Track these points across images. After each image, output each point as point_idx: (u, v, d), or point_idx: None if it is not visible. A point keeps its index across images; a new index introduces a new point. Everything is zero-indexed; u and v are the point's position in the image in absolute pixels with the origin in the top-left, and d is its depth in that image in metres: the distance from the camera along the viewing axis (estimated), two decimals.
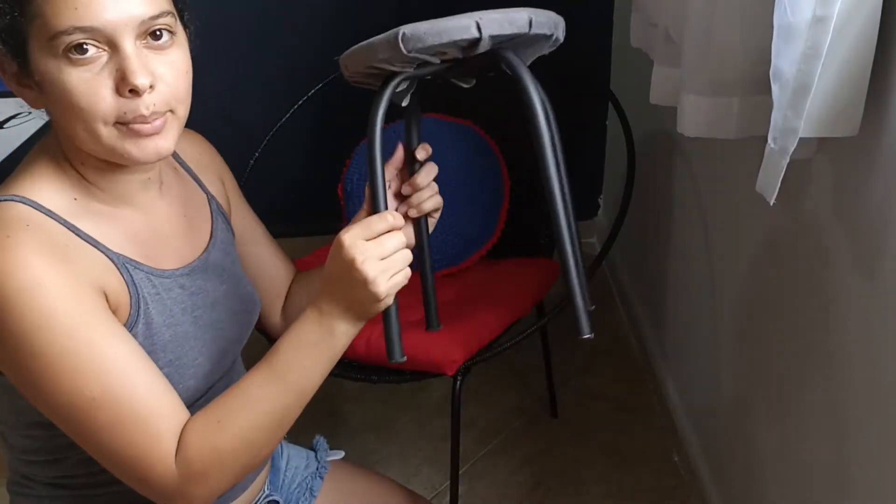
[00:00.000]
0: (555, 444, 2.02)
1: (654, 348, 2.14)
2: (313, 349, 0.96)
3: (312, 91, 1.92)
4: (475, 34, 0.91)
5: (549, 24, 0.99)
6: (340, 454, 1.34)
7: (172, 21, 0.91)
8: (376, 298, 0.93)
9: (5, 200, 0.91)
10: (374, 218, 0.94)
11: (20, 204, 0.91)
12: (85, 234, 0.94)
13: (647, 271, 2.24)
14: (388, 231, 0.94)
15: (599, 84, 1.89)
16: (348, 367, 1.67)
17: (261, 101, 2.22)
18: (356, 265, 0.91)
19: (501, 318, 1.68)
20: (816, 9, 0.91)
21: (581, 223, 2.74)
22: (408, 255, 0.96)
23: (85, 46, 0.85)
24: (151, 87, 0.88)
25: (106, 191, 0.97)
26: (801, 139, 0.98)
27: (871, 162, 1.03)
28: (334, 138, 2.12)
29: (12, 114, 1.61)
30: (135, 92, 0.87)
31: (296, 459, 1.29)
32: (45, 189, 0.93)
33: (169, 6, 0.90)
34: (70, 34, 0.84)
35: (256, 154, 1.81)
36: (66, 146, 0.95)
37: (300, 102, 1.91)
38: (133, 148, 0.90)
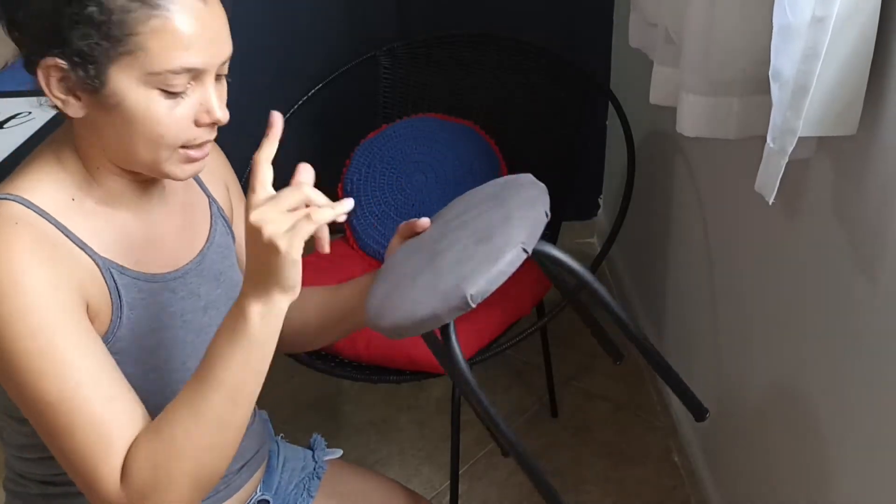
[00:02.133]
0: (555, 444, 2.02)
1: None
2: (232, 340, 0.90)
3: (312, 91, 1.93)
4: (524, 256, 0.92)
5: (547, 201, 1.02)
6: (338, 452, 1.34)
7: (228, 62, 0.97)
8: (276, 252, 0.85)
9: (2, 199, 0.92)
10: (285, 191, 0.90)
11: (14, 203, 0.92)
12: (75, 236, 0.94)
13: (647, 271, 2.24)
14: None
15: (599, 84, 1.89)
16: (348, 367, 1.67)
17: (261, 102, 2.22)
18: (257, 229, 0.85)
19: (501, 318, 1.68)
20: (816, 9, 0.91)
21: (581, 223, 2.74)
22: (315, 211, 0.90)
23: (179, 88, 0.90)
24: (225, 119, 0.95)
25: (108, 192, 0.98)
26: (800, 139, 0.98)
27: (869, 161, 1.03)
28: (334, 138, 2.12)
29: (12, 114, 1.61)
30: (214, 124, 0.94)
31: (293, 461, 1.28)
32: (42, 187, 0.94)
33: (232, 50, 0.97)
34: (178, 73, 0.88)
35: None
36: (90, 151, 0.96)
37: (300, 102, 1.91)
38: (178, 170, 0.95)
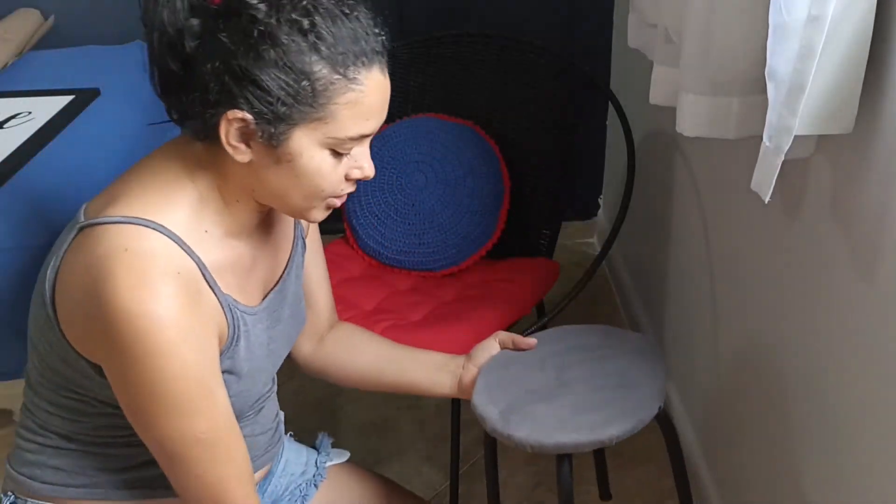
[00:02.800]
0: None
1: None
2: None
3: None
4: (657, 411, 1.21)
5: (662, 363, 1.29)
6: (345, 455, 1.34)
7: None
8: None
9: (153, 228, 0.93)
10: None
11: (167, 238, 0.94)
12: (209, 273, 0.98)
13: (647, 271, 2.24)
14: None
15: (599, 84, 1.89)
16: None
17: None
18: None
19: (501, 318, 1.68)
20: (811, 8, 0.91)
21: (581, 223, 2.75)
22: None
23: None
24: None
25: (236, 222, 1.02)
26: (798, 138, 0.99)
27: (867, 160, 1.03)
28: None
29: (12, 114, 1.61)
30: (363, 180, 1.01)
31: (294, 464, 1.28)
32: (184, 218, 0.97)
33: None
34: (355, 140, 0.96)
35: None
36: (239, 187, 0.99)
37: None
38: (319, 215, 1.02)
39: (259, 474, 1.21)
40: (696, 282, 1.80)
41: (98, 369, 0.97)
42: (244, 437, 1.05)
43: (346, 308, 1.74)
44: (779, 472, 1.40)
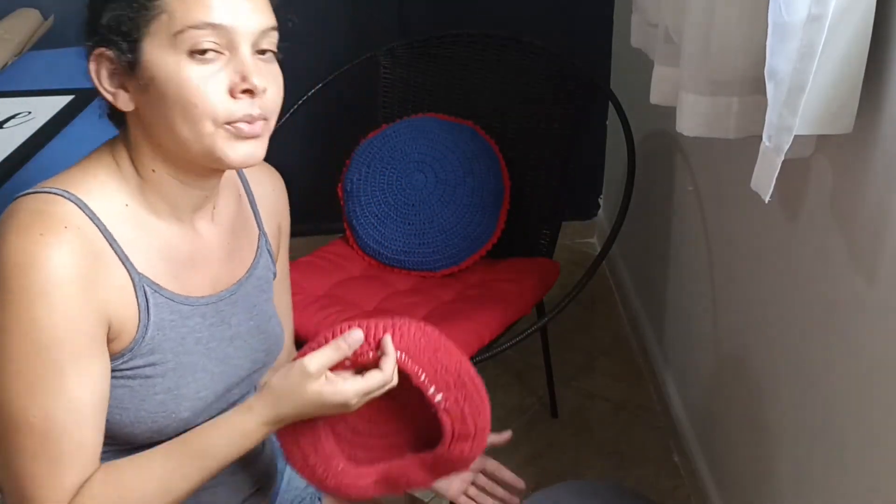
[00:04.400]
0: (555, 444, 2.02)
1: (654, 348, 2.14)
2: (243, 444, 0.95)
3: (312, 91, 1.93)
4: None
5: None
6: None
7: (276, 40, 0.95)
8: (347, 408, 0.94)
9: (56, 193, 0.91)
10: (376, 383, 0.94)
11: (68, 201, 0.91)
12: (119, 247, 0.93)
13: (647, 271, 2.24)
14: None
15: (599, 84, 1.89)
16: None
17: None
18: (344, 403, 0.93)
19: (501, 318, 1.68)
20: (811, 7, 0.91)
21: (581, 223, 2.75)
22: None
23: (206, 46, 0.89)
24: (264, 90, 0.92)
25: (163, 199, 0.97)
26: (798, 137, 0.99)
27: (866, 160, 1.03)
28: (334, 138, 2.12)
29: (12, 114, 1.61)
30: (249, 93, 0.91)
31: (297, 479, 1.25)
32: (99, 189, 0.94)
33: (276, 24, 0.95)
34: (199, 29, 0.88)
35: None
36: (144, 150, 0.95)
37: (300, 102, 1.91)
38: (230, 150, 0.92)
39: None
40: (696, 281, 1.80)
41: None
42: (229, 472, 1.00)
43: (346, 308, 1.74)
44: (779, 472, 1.40)
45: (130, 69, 0.90)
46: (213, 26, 0.88)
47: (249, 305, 1.09)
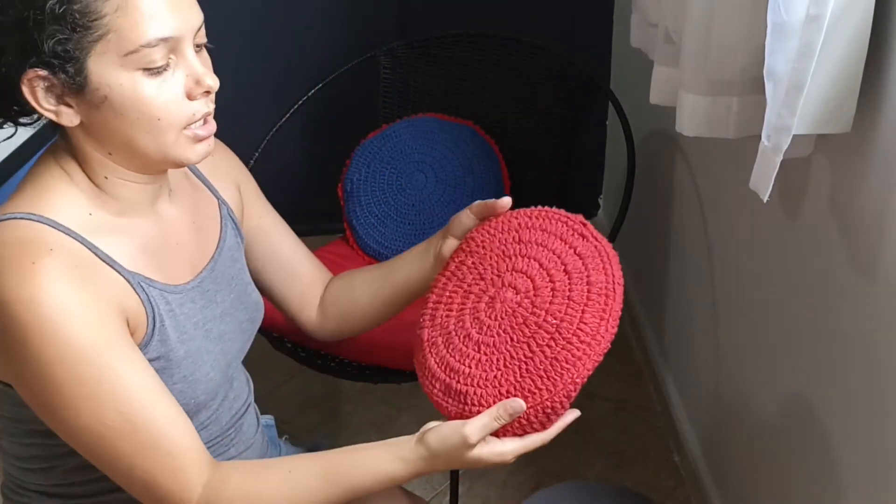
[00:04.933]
0: (555, 444, 2.02)
1: (654, 348, 2.14)
2: (382, 483, 0.99)
3: (312, 91, 1.93)
4: None
5: None
6: None
7: (204, 30, 0.95)
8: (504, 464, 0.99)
9: (22, 218, 0.90)
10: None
11: (38, 223, 0.90)
12: (103, 252, 0.93)
13: (647, 271, 2.24)
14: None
15: (599, 84, 1.89)
16: (348, 367, 1.67)
17: (261, 101, 2.22)
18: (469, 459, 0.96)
19: None
20: (810, 7, 0.91)
21: None
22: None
23: (160, 63, 0.88)
24: (216, 86, 0.93)
25: (121, 201, 0.97)
26: (797, 137, 0.99)
27: (865, 159, 1.03)
28: (334, 138, 2.12)
29: None
30: (208, 93, 0.92)
31: None
32: (60, 205, 0.93)
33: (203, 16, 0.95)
34: (153, 46, 0.87)
35: (256, 154, 1.81)
36: (91, 159, 0.94)
37: (300, 102, 1.91)
38: (190, 153, 0.94)
39: None
40: (696, 281, 1.80)
41: (11, 386, 0.93)
42: (232, 457, 1.02)
43: None
44: (779, 471, 1.40)
45: (76, 88, 0.88)
46: (164, 40, 0.87)
47: (228, 279, 1.10)
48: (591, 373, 0.97)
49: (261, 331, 1.31)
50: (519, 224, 1.08)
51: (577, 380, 0.96)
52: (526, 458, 2.03)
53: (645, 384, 2.17)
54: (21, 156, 1.46)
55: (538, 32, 1.95)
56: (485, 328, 1.02)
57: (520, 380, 0.96)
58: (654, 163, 2.04)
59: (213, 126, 0.95)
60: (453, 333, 1.04)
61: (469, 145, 1.89)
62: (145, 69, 0.88)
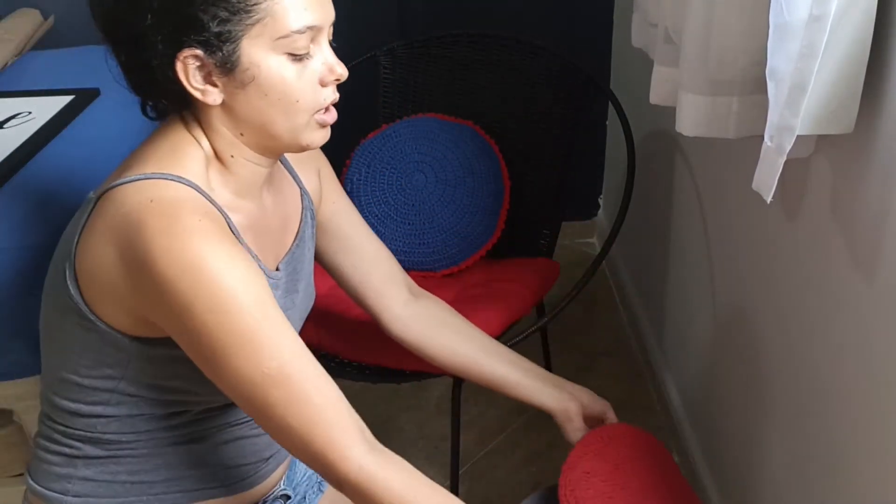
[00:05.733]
0: (555, 444, 2.02)
1: (654, 348, 2.14)
2: None
3: None
4: None
5: None
6: None
7: None
8: None
9: (173, 180, 0.94)
10: None
11: (188, 187, 0.95)
12: (233, 224, 0.98)
13: (647, 271, 2.24)
14: None
15: (599, 84, 1.89)
16: (348, 367, 1.67)
17: None
18: None
19: (501, 318, 1.68)
20: (813, 8, 0.91)
21: (581, 223, 2.74)
22: None
23: (304, 50, 0.95)
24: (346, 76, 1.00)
25: (240, 180, 1.02)
26: (798, 137, 0.99)
27: (867, 160, 1.03)
28: (334, 138, 2.12)
29: (12, 114, 1.61)
30: (336, 81, 0.99)
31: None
32: (198, 173, 0.98)
33: None
34: (303, 33, 0.94)
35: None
36: (226, 137, 0.99)
37: None
38: (316, 137, 1.01)
39: (282, 468, 1.21)
40: (696, 282, 1.80)
41: (135, 341, 0.97)
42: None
43: (348, 308, 1.74)
44: (779, 472, 1.40)
45: (227, 68, 0.93)
46: (311, 28, 0.95)
47: (301, 269, 1.16)
48: None
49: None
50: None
51: None
52: (526, 458, 2.04)
53: (645, 384, 2.17)
54: (21, 155, 1.46)
55: (538, 32, 1.95)
56: None
57: None
58: (654, 163, 2.04)
59: (335, 114, 1.01)
60: None
61: (469, 145, 1.89)
62: (291, 54, 0.94)
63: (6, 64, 1.87)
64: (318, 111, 0.99)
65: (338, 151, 1.97)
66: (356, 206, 1.88)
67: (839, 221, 1.13)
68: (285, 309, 1.06)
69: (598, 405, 1.35)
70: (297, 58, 0.95)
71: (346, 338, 1.67)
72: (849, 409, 1.15)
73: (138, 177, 0.94)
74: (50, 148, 1.50)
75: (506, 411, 2.09)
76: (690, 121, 1.23)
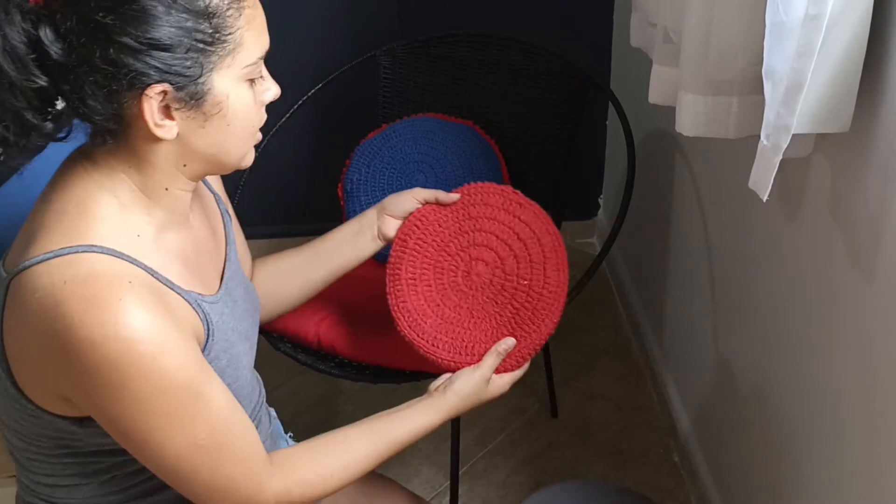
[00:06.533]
0: (555, 444, 2.02)
1: (654, 348, 2.14)
2: (419, 434, 1.15)
3: (312, 91, 1.93)
4: None
5: None
6: None
7: None
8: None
9: (84, 252, 0.87)
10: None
11: (103, 255, 0.87)
12: (162, 276, 0.92)
13: (647, 271, 2.24)
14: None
15: (599, 84, 1.89)
16: (348, 367, 1.67)
17: None
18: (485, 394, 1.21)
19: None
20: (809, 7, 0.91)
21: (581, 223, 2.74)
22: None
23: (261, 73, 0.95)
24: None
25: (170, 212, 0.97)
26: (796, 136, 0.99)
27: (864, 158, 1.03)
28: (334, 138, 2.12)
29: None
30: (273, 101, 0.98)
31: None
32: (113, 232, 0.90)
33: None
34: (262, 59, 0.93)
35: (256, 154, 1.81)
36: (165, 171, 0.93)
37: (300, 102, 1.91)
38: (251, 156, 1.00)
39: None
40: (696, 282, 1.80)
41: (78, 421, 0.93)
42: None
43: (349, 308, 1.74)
44: (779, 472, 1.40)
45: (196, 102, 0.88)
46: (266, 53, 0.94)
47: (238, 275, 1.12)
48: (561, 314, 1.25)
49: (261, 331, 1.31)
50: (464, 202, 1.34)
51: (555, 321, 1.24)
52: (526, 459, 2.04)
53: (645, 384, 2.17)
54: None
55: (538, 32, 1.95)
56: (469, 298, 1.28)
57: (513, 331, 1.24)
58: (654, 163, 2.04)
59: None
60: (442, 305, 1.29)
61: (469, 145, 1.89)
62: (250, 80, 0.93)
63: None
64: (258, 132, 0.99)
65: (338, 151, 1.98)
66: (356, 206, 1.90)
67: (838, 220, 1.13)
68: (235, 324, 1.05)
69: (407, 201, 1.34)
70: (253, 83, 0.94)
71: (346, 338, 1.66)
72: (848, 406, 1.15)
73: (46, 256, 0.86)
74: (50, 148, 1.49)
75: (506, 411, 2.10)
76: (690, 121, 1.23)
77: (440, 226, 1.30)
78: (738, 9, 1.11)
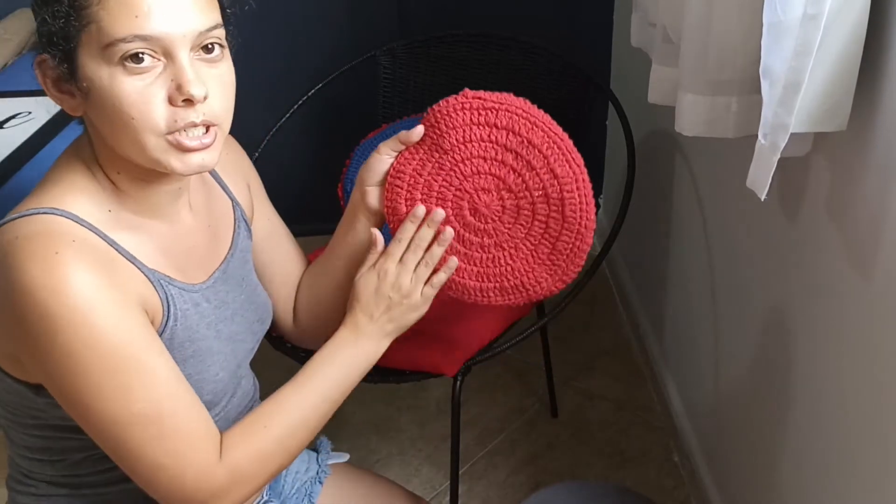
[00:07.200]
0: (555, 444, 2.03)
1: (654, 348, 2.14)
2: (348, 366, 1.06)
3: (312, 91, 1.93)
4: None
5: None
6: (344, 457, 1.34)
7: (223, 34, 0.92)
8: (415, 309, 1.08)
9: (44, 213, 0.90)
10: (392, 245, 1.09)
11: (60, 217, 0.90)
12: (123, 249, 0.93)
13: (647, 271, 2.24)
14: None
15: (599, 84, 1.89)
16: None
17: (261, 101, 2.22)
18: (386, 289, 1.07)
19: (501, 318, 1.68)
20: (807, 7, 0.92)
21: None
22: (438, 252, 1.09)
23: (141, 55, 0.85)
24: (205, 97, 0.88)
25: (138, 201, 0.97)
26: (795, 135, 0.99)
27: (862, 157, 1.03)
28: (334, 138, 2.12)
29: (12, 114, 1.61)
30: (189, 102, 0.87)
31: (297, 464, 1.28)
32: (81, 200, 0.93)
33: (220, 19, 0.92)
34: (129, 42, 0.84)
35: (256, 154, 1.81)
36: (103, 155, 0.95)
37: (300, 102, 1.91)
38: (178, 162, 0.90)
39: None
40: (696, 281, 1.80)
41: (35, 388, 0.94)
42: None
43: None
44: (779, 472, 1.40)
45: (71, 76, 0.88)
46: (144, 38, 0.85)
47: (238, 279, 1.11)
48: (595, 202, 1.13)
49: (271, 338, 1.31)
50: (432, 137, 1.13)
51: (591, 214, 1.12)
52: (526, 459, 2.04)
53: (645, 384, 2.18)
54: (21, 155, 1.46)
55: (538, 32, 1.95)
56: (490, 233, 1.14)
57: (555, 243, 1.12)
58: (654, 162, 2.04)
59: (205, 140, 0.90)
60: (468, 252, 1.15)
61: None
62: (125, 66, 0.85)
63: (6, 64, 1.87)
64: (172, 132, 0.88)
65: (338, 151, 1.98)
66: None
67: (837, 219, 1.13)
68: (216, 322, 1.04)
69: (377, 162, 1.13)
70: (134, 68, 0.85)
71: None
72: (848, 405, 1.15)
73: (14, 216, 0.90)
74: (50, 148, 1.50)
75: (506, 411, 2.10)
76: (690, 121, 1.23)
77: (420, 175, 1.13)
78: (737, 8, 1.11)
